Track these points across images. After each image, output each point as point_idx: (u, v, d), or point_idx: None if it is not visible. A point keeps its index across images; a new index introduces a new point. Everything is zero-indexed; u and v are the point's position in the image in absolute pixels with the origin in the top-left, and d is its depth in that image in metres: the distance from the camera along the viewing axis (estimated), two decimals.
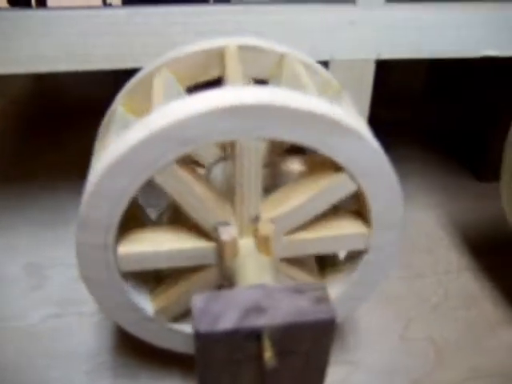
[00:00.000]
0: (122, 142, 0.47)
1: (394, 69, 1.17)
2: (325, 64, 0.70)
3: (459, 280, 0.84)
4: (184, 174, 0.49)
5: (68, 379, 0.66)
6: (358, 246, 0.58)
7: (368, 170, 0.52)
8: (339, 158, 0.50)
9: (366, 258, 0.59)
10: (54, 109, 1.30)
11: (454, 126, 1.19)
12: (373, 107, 0.80)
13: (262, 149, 0.49)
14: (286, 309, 0.42)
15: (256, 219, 0.53)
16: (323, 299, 0.43)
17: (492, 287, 0.82)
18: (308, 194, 0.54)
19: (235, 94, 0.46)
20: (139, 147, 0.46)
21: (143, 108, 0.61)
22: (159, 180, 0.48)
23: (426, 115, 1.28)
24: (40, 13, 0.67)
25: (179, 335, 0.60)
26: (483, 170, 1.06)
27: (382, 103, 0.90)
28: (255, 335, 0.41)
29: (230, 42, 0.61)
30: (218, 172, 0.63)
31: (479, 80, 1.07)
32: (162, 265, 0.54)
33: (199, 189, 0.50)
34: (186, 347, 0.61)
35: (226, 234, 0.52)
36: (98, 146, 0.62)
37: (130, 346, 0.69)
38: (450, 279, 0.84)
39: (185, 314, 0.60)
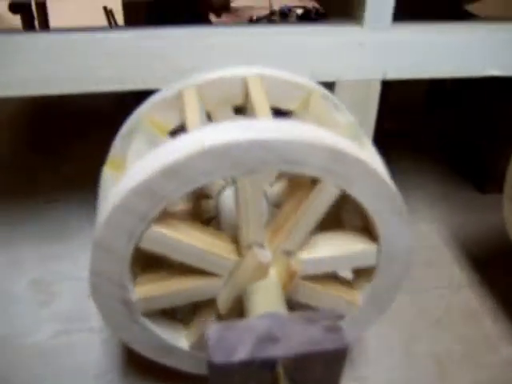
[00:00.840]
0: (224, 132, 0.47)
1: (395, 82, 1.18)
2: (329, 86, 0.71)
3: (461, 294, 0.85)
4: (261, 188, 0.50)
5: None
6: (343, 311, 0.61)
7: (395, 253, 0.56)
8: (380, 233, 0.55)
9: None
10: (58, 121, 1.29)
11: (457, 139, 1.20)
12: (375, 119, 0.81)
13: (334, 198, 0.52)
14: (298, 338, 0.43)
15: (289, 254, 0.55)
16: (335, 328, 0.44)
17: (493, 301, 0.83)
18: (338, 251, 0.57)
19: (352, 145, 0.50)
20: (245, 145, 0.46)
21: (169, 125, 0.63)
22: (240, 182, 0.49)
23: (428, 127, 1.28)
24: (45, 36, 0.67)
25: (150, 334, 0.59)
26: (486, 182, 1.07)
27: (383, 116, 0.90)
28: (270, 365, 0.42)
29: (252, 72, 0.63)
30: (225, 200, 0.64)
31: (482, 93, 1.08)
32: (177, 256, 0.53)
33: (261, 206, 0.52)
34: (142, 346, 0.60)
35: (264, 256, 0.53)
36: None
37: (138, 364, 0.70)
38: (452, 293, 0.85)
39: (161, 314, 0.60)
